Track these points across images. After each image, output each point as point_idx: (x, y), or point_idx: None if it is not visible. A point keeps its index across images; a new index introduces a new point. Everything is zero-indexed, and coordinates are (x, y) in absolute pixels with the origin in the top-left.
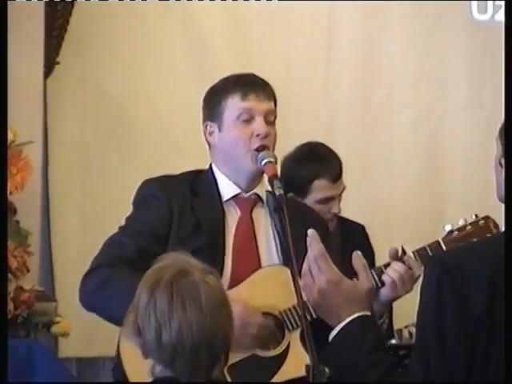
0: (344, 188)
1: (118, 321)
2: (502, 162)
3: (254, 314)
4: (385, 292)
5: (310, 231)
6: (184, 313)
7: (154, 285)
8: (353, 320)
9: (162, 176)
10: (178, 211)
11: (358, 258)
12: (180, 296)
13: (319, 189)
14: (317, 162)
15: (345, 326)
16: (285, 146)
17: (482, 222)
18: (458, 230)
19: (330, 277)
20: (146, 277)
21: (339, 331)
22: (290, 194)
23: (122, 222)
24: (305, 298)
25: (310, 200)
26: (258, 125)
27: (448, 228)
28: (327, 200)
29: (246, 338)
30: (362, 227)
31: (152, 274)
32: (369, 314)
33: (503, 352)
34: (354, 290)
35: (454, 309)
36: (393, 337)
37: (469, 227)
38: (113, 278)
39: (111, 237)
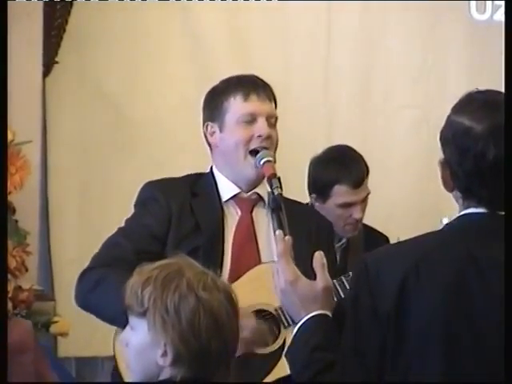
0: (368, 193)
1: (111, 320)
2: (440, 164)
3: (246, 317)
4: None
5: (277, 232)
6: (229, 321)
7: (200, 290)
8: (307, 320)
9: (163, 178)
10: (177, 212)
11: (318, 257)
12: (224, 304)
13: (339, 194)
14: (339, 166)
15: (301, 325)
16: (284, 145)
17: None
18: None
19: (287, 276)
20: (184, 282)
21: (297, 330)
22: (313, 195)
23: (121, 221)
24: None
25: (331, 203)
26: (260, 126)
27: (445, 221)
28: (347, 205)
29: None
30: (387, 239)
31: (194, 277)
32: (325, 313)
33: (414, 353)
34: (309, 290)
35: (367, 308)
36: None
37: None
38: (106, 278)
39: (109, 238)
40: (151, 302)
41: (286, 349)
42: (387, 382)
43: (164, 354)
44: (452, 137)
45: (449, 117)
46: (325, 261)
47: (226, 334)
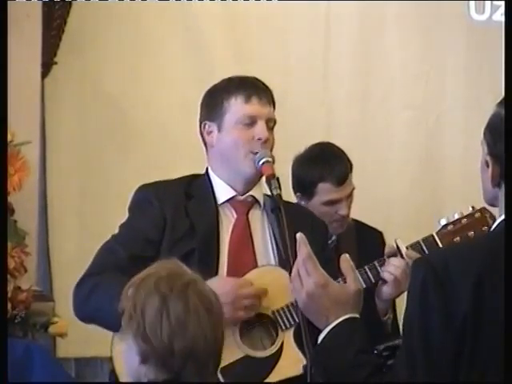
0: (353, 189)
1: (107, 325)
2: (488, 159)
3: (245, 286)
4: (388, 289)
5: (299, 234)
6: (198, 322)
7: (167, 291)
8: (340, 322)
9: (157, 181)
10: (172, 215)
11: (345, 260)
12: (194, 305)
13: (324, 192)
14: (322, 164)
15: (332, 328)
16: (283, 146)
17: (478, 213)
18: (453, 223)
19: (317, 279)
20: (152, 282)
21: (327, 333)
22: (298, 194)
23: (120, 222)
24: (294, 301)
25: (316, 201)
26: (260, 129)
27: (443, 222)
28: (333, 202)
29: (239, 312)
30: (380, 234)
31: (164, 279)
32: (357, 316)
33: (491, 353)
34: (341, 293)
35: (439, 310)
36: (398, 335)
37: (464, 220)
38: (101, 285)
39: (103, 245)
40: (127, 301)
41: (316, 351)
42: (463, 382)
43: (137, 354)
44: None
45: (498, 113)
46: (352, 263)
47: (191, 336)
